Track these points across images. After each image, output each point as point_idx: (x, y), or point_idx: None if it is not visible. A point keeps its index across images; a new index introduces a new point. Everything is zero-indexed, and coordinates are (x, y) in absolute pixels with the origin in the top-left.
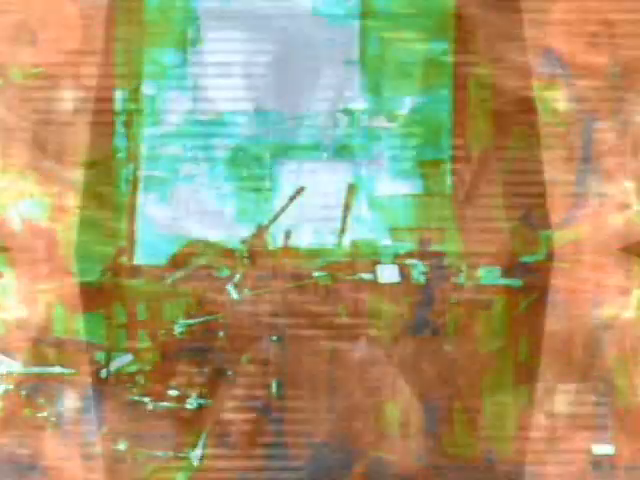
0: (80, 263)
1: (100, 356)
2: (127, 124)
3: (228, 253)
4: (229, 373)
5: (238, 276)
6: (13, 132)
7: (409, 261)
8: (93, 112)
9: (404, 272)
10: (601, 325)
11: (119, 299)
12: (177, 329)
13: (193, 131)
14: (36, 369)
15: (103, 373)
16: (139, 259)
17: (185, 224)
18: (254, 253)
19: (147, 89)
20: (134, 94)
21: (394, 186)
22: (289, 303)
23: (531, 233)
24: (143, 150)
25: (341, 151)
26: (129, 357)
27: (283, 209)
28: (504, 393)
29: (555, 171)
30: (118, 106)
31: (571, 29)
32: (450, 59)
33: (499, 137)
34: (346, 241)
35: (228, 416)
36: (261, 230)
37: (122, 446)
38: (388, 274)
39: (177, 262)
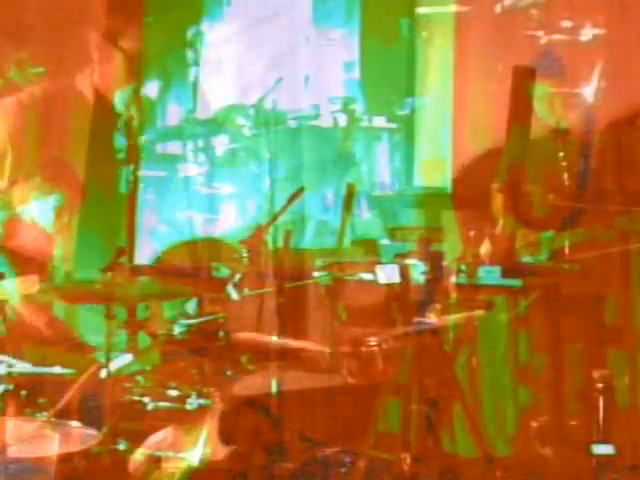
0: (80, 263)
1: (100, 356)
2: (127, 124)
3: (228, 253)
4: (229, 373)
5: (238, 276)
6: (16, 134)
7: (409, 261)
8: (93, 112)
9: (404, 272)
10: (601, 325)
11: (119, 299)
12: (177, 329)
13: (193, 131)
14: (36, 369)
15: (103, 373)
16: (139, 259)
17: (185, 224)
18: (254, 253)
19: (147, 89)
20: (134, 94)
21: (394, 186)
22: (289, 303)
23: (531, 234)
24: (143, 150)
25: (341, 151)
26: (129, 357)
27: (283, 209)
28: (504, 393)
29: (556, 172)
30: (118, 106)
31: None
32: (451, 60)
33: (499, 137)
34: (346, 241)
35: (228, 416)
36: (261, 230)
37: (122, 446)
38: (388, 274)
39: (177, 262)
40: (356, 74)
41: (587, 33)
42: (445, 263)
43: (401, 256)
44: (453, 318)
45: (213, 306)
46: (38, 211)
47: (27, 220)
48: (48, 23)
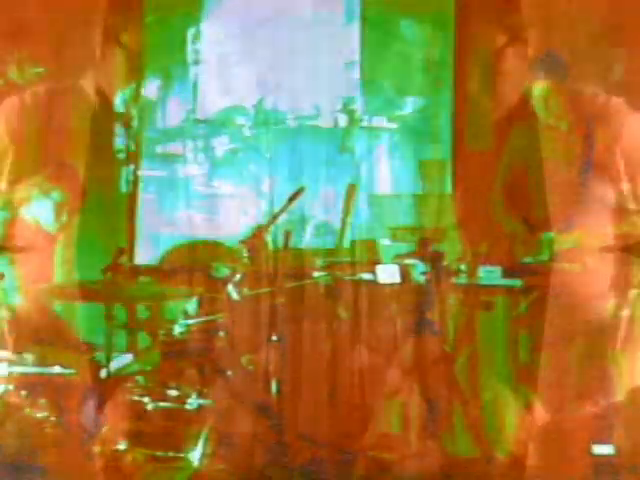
0: (80, 263)
1: (100, 356)
2: (127, 124)
3: (228, 253)
4: (229, 373)
5: (238, 276)
6: (16, 135)
7: (409, 261)
8: (93, 112)
9: (404, 272)
10: (601, 325)
11: (119, 299)
12: (177, 329)
13: (193, 131)
14: (36, 369)
15: (103, 373)
16: (139, 259)
17: (185, 224)
18: (254, 253)
19: (147, 90)
20: (134, 95)
21: (394, 186)
22: (289, 303)
23: (532, 235)
24: (143, 150)
25: (341, 151)
26: (129, 357)
27: (283, 209)
28: (504, 393)
29: (556, 173)
30: (118, 106)
31: (572, 30)
32: (450, 59)
33: (499, 138)
34: (346, 241)
35: (228, 416)
36: (261, 230)
37: (122, 446)
38: (388, 274)
39: (177, 262)
40: (356, 74)
41: None
42: (445, 263)
43: (401, 256)
44: (453, 318)
45: (213, 306)
46: (39, 210)
47: (28, 220)
48: (49, 22)
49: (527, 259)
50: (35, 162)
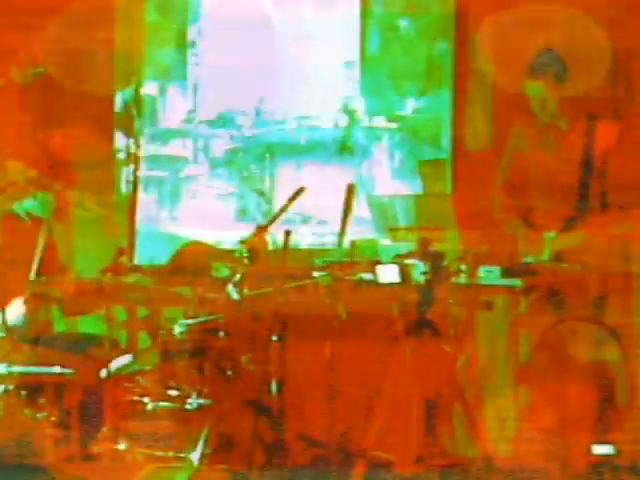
0: (80, 263)
1: (100, 356)
2: (127, 124)
3: (228, 253)
4: (229, 373)
5: (238, 276)
6: (15, 132)
7: (409, 261)
8: (93, 112)
9: (404, 272)
10: (601, 325)
11: (119, 299)
12: (177, 329)
13: (193, 131)
14: (36, 369)
15: (103, 373)
16: (139, 259)
17: (185, 224)
18: (254, 253)
19: (147, 89)
20: (134, 94)
21: (394, 186)
22: (289, 303)
23: (533, 234)
24: (143, 150)
25: (341, 151)
26: (129, 357)
27: (283, 209)
28: (504, 393)
29: (556, 173)
30: (118, 106)
31: (571, 29)
32: (450, 59)
33: (499, 138)
34: (346, 241)
35: (228, 416)
36: (261, 230)
37: (122, 446)
38: (388, 274)
39: (177, 262)
40: (356, 74)
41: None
42: (445, 263)
43: (401, 256)
44: (453, 318)
45: (213, 306)
46: (38, 210)
47: (25, 218)
48: (50, 23)
49: (527, 259)
50: (34, 160)
